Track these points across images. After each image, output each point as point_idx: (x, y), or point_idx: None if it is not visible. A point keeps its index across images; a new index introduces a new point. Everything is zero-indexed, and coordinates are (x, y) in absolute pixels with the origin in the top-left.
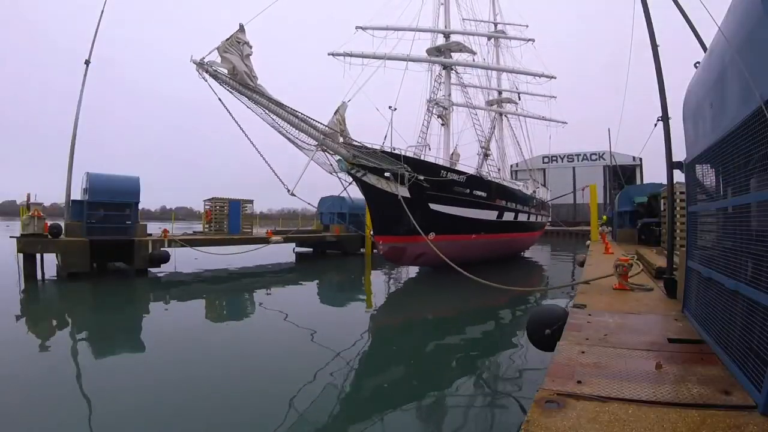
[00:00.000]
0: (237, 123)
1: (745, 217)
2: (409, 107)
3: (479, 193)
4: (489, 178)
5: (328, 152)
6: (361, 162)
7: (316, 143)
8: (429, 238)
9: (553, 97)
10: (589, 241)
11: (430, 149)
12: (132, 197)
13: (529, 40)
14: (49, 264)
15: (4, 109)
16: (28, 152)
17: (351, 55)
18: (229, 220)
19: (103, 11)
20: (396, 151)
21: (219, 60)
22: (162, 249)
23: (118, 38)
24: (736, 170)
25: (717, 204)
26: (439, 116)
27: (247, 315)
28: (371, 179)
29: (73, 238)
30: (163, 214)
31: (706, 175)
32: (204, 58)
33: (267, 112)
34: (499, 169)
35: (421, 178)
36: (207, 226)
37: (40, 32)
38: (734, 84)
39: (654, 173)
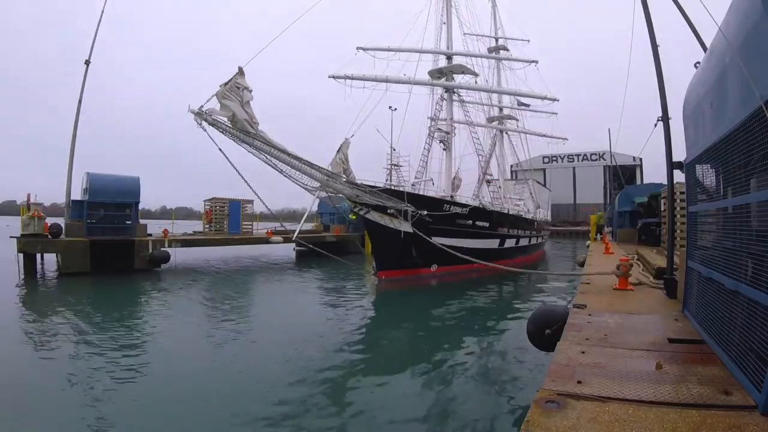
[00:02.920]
0: (237, 171)
1: (746, 217)
2: (411, 125)
3: (481, 223)
4: (491, 208)
5: (331, 193)
6: (364, 200)
7: (319, 185)
8: (432, 269)
9: (555, 113)
10: (588, 242)
11: (433, 183)
12: (132, 197)
13: (533, 61)
14: (49, 264)
15: (4, 107)
16: (28, 152)
17: (352, 78)
18: (229, 220)
19: (103, 11)
20: (399, 188)
21: (218, 107)
22: (162, 249)
23: (117, 37)
24: (736, 170)
25: (717, 204)
26: (441, 141)
27: (246, 313)
28: (374, 216)
29: (73, 238)
30: (164, 214)
31: (706, 175)
32: (203, 106)
33: (269, 157)
34: (500, 187)
35: (425, 213)
36: (207, 226)
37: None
38: (734, 84)
39: (654, 173)
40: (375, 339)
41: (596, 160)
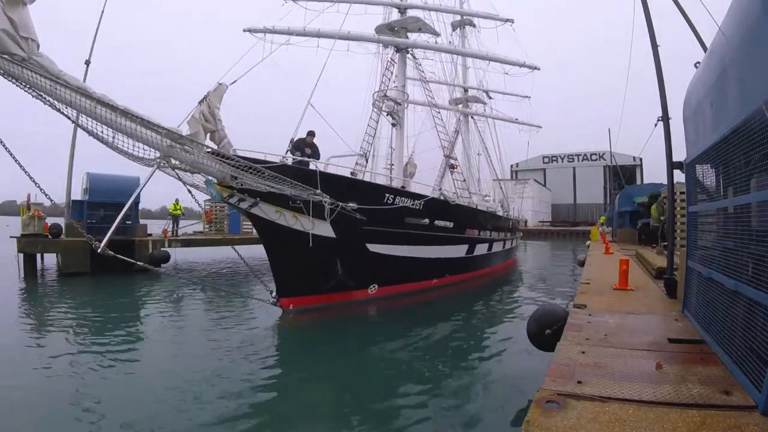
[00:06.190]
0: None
1: (746, 217)
2: (356, 103)
3: (443, 223)
4: (457, 202)
5: (186, 170)
6: (246, 185)
7: (159, 156)
8: (370, 292)
9: (527, 96)
10: (588, 242)
11: (367, 161)
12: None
13: (507, 20)
14: (49, 264)
15: (4, 107)
16: (28, 151)
17: (273, 32)
18: (229, 220)
19: (103, 11)
20: (308, 162)
21: None
22: (162, 249)
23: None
24: (736, 170)
25: (717, 204)
26: (388, 113)
27: (245, 313)
28: (266, 211)
29: (73, 238)
30: (164, 214)
31: (707, 175)
32: None
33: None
34: (464, 179)
35: (353, 207)
36: (207, 226)
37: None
38: (734, 84)
39: (654, 173)
40: (374, 337)
41: (596, 160)
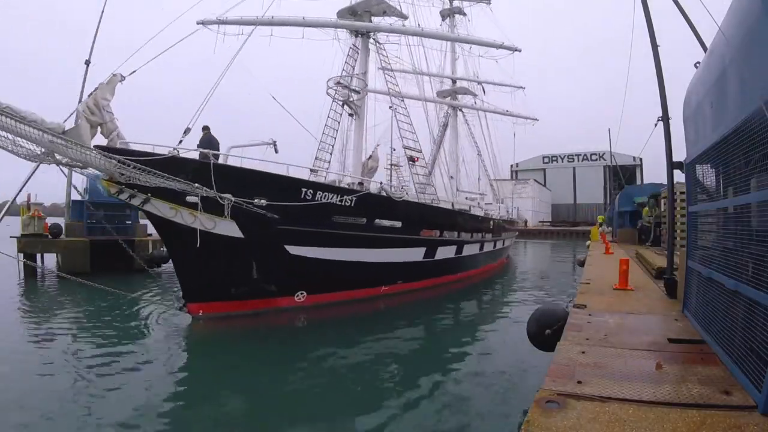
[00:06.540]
0: None
1: (746, 217)
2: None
3: (389, 223)
4: (402, 197)
5: (74, 165)
6: (135, 180)
7: (43, 151)
8: (298, 299)
9: (521, 87)
10: (588, 242)
11: (329, 164)
12: None
13: None
14: (49, 264)
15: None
16: None
17: (226, 23)
18: None
19: (103, 11)
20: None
21: None
22: (162, 249)
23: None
24: (736, 170)
25: (717, 204)
26: (344, 103)
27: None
28: (160, 208)
29: (73, 238)
30: None
31: (707, 175)
32: None
33: None
34: (451, 177)
35: (262, 203)
36: None
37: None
38: (734, 84)
39: (654, 173)
40: (374, 337)
41: (596, 160)
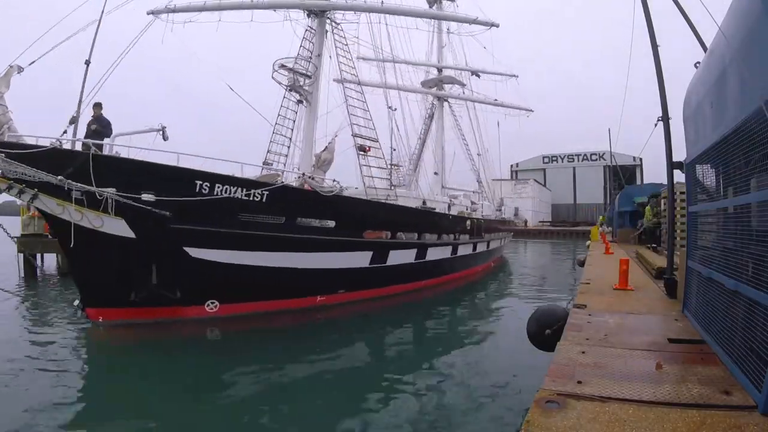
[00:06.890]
0: None
1: (746, 217)
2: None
3: (318, 222)
4: (336, 192)
5: None
6: (23, 176)
7: None
8: (209, 309)
9: (515, 75)
10: (589, 242)
11: (288, 149)
12: None
13: None
14: (50, 264)
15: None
16: None
17: (174, 11)
18: None
19: (103, 11)
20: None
21: None
22: None
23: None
24: (736, 170)
25: (717, 204)
26: (291, 89)
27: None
28: (48, 205)
29: None
30: None
31: (707, 175)
32: None
33: None
34: (436, 173)
35: (150, 197)
36: None
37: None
38: (734, 84)
39: (654, 173)
40: (375, 336)
41: (596, 160)
